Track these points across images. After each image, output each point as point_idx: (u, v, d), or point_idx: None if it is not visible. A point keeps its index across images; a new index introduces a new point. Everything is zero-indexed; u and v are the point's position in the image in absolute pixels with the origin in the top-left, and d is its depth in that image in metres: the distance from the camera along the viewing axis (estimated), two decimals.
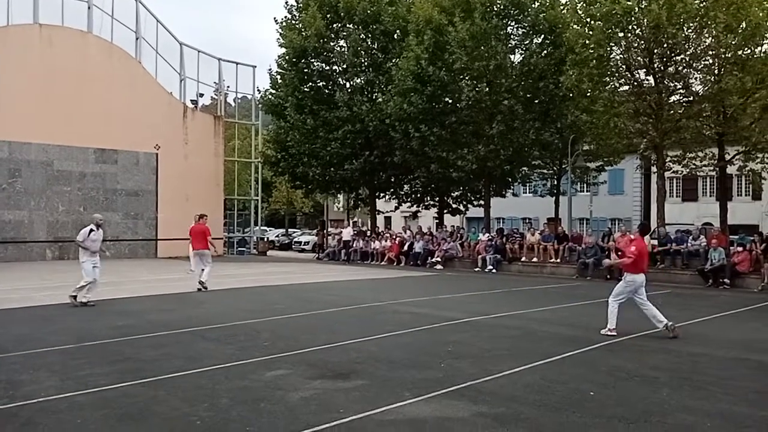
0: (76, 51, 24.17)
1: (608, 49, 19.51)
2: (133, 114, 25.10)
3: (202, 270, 13.90)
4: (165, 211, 26.12)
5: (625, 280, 8.83)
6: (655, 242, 18.52)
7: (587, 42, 19.48)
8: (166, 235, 25.96)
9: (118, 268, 19.85)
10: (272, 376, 6.15)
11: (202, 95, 31.60)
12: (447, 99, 24.69)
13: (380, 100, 27.20)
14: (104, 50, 25.07)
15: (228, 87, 30.67)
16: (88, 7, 24.82)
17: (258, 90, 31.31)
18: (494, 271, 20.44)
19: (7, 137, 22.56)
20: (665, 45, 18.68)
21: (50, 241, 23.80)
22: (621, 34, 19.29)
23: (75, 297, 11.20)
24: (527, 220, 37.28)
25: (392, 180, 29.42)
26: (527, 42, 24.47)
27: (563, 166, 25.97)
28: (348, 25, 27.53)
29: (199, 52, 28.48)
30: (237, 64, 30.01)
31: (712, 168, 21.40)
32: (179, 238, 22.25)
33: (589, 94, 20.60)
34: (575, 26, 20.30)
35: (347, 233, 26.71)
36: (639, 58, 19.47)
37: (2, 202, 22.69)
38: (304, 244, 39.11)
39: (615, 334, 8.40)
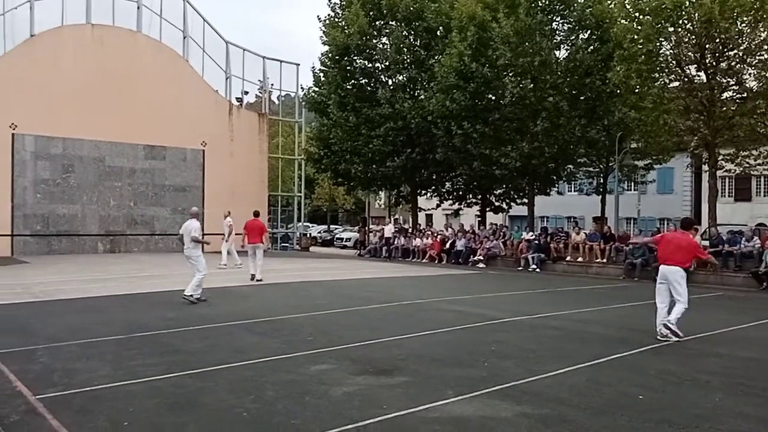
0: (127, 50, 24.86)
1: (657, 44, 19.02)
2: (180, 111, 25.69)
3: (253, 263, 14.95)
4: (211, 206, 26.64)
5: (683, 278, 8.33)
6: (707, 243, 17.98)
7: (636, 37, 19.02)
8: (212, 230, 26.44)
9: (166, 262, 20.39)
10: (316, 371, 6.22)
11: (247, 93, 32.11)
12: (490, 96, 24.47)
13: (422, 97, 27.13)
14: (153, 49, 25.71)
15: (272, 85, 31.06)
16: (138, 7, 25.48)
17: (301, 88, 31.67)
18: (538, 270, 20.17)
19: (61, 134, 23.37)
20: (717, 40, 18.09)
21: (102, 234, 24.56)
22: (671, 29, 18.77)
23: (191, 296, 10.86)
24: (572, 219, 36.59)
25: (434, 177, 29.32)
26: (573, 37, 24.03)
27: (610, 164, 25.43)
28: (391, 23, 27.56)
29: (244, 50, 28.92)
30: (281, 62, 30.36)
31: (766, 167, 20.63)
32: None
33: (637, 90, 20.13)
34: (623, 21, 19.84)
35: (388, 230, 26.78)
36: (690, 53, 18.92)
37: (57, 196, 23.53)
38: (345, 241, 39.38)
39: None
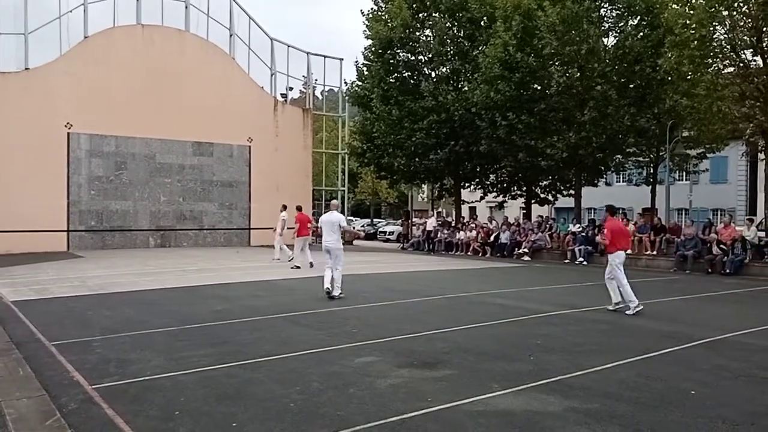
0: (175, 49, 25.46)
1: (711, 28, 18.31)
2: (227, 108, 26.18)
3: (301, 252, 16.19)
4: (257, 201, 27.12)
5: (610, 262, 9.86)
6: (762, 234, 17.32)
7: (688, 22, 18.36)
8: (258, 224, 26.94)
9: (214, 256, 20.84)
10: (361, 363, 6.27)
11: (291, 89, 32.41)
12: (536, 86, 24.06)
13: (466, 88, 26.88)
14: (201, 48, 26.24)
15: (316, 80, 31.32)
16: (186, 7, 26.03)
17: (345, 82, 31.79)
18: (585, 263, 19.81)
19: (114, 132, 24.14)
20: None
21: (153, 229, 25.29)
22: (725, 13, 18.05)
23: (340, 294, 10.71)
24: (621, 211, 35.77)
25: (478, 170, 29.04)
26: (622, 24, 23.39)
27: (661, 154, 24.71)
28: (434, 14, 27.37)
29: (288, 46, 29.23)
30: (325, 57, 30.56)
31: None
32: (271, 227, 23.01)
33: (689, 77, 19.44)
34: (674, 6, 19.16)
35: (430, 223, 26.69)
36: (745, 37, 18.15)
37: (110, 193, 24.32)
38: (389, 234, 39.43)
39: (639, 305, 9.50)
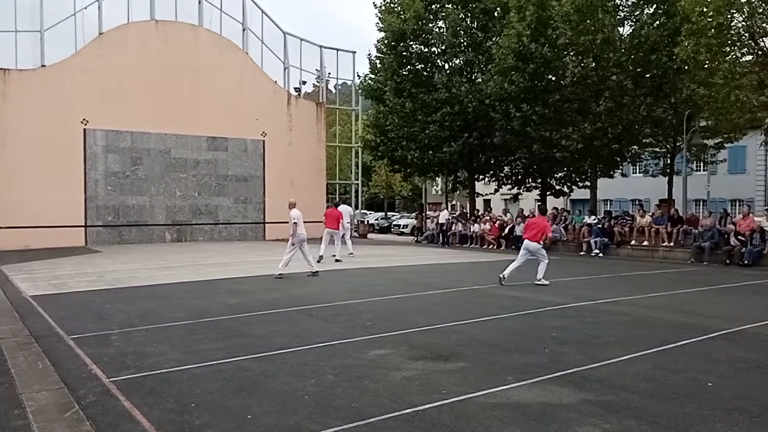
0: (189, 44, 25.57)
1: (729, 16, 18.05)
2: (241, 103, 26.28)
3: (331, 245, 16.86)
4: (271, 195, 27.20)
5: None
6: None
7: (705, 10, 18.11)
8: (273, 218, 27.03)
9: (229, 250, 20.96)
10: (375, 355, 6.28)
11: (304, 83, 32.50)
12: (550, 76, 23.86)
13: (480, 80, 26.74)
14: (214, 43, 26.33)
15: (329, 74, 31.31)
16: (199, 2, 26.12)
17: (358, 75, 31.77)
18: (601, 255, 19.67)
19: (130, 128, 24.33)
20: None
21: (168, 224, 25.48)
22: (743, 0, 17.77)
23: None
24: (637, 202, 35.47)
25: (492, 162, 28.90)
26: (637, 13, 23.09)
27: (678, 144, 24.43)
28: (447, 5, 27.23)
29: (301, 40, 29.23)
30: (337, 50, 30.53)
31: None
32: (285, 222, 23.09)
33: (707, 65, 19.19)
34: None
35: (443, 216, 26.63)
36: (764, 24, 17.89)
37: (126, 188, 24.54)
38: (402, 227, 39.41)
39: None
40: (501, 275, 11.93)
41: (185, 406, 4.76)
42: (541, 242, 12.24)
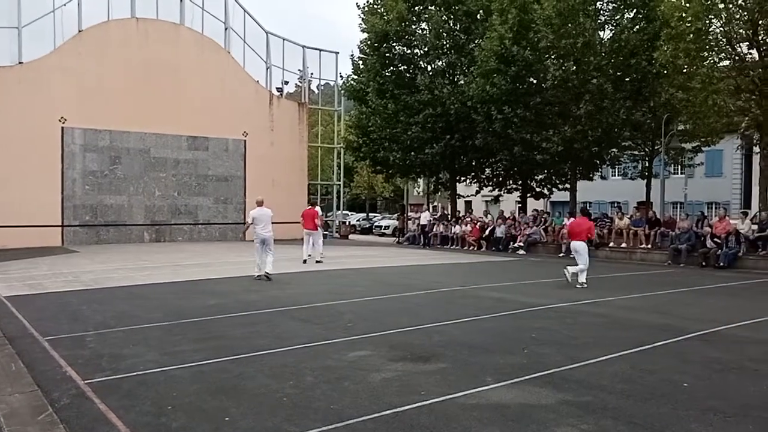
0: (170, 43, 25.33)
1: (707, 21, 18.30)
2: (222, 102, 26.10)
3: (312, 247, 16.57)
4: (252, 195, 27.00)
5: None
6: (755, 227, 17.37)
7: (684, 15, 18.35)
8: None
9: (209, 250, 20.80)
10: (355, 357, 6.26)
11: (287, 83, 32.34)
12: (532, 79, 24.04)
13: (462, 82, 26.86)
14: (196, 42, 26.13)
15: (312, 74, 31.22)
16: (180, 1, 25.89)
17: (340, 76, 31.73)
18: None
19: (108, 126, 24.04)
20: None
21: (147, 224, 25.22)
22: (721, 6, 18.06)
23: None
24: (616, 204, 35.85)
25: (473, 163, 29.05)
26: (618, 17, 23.35)
27: (656, 147, 24.75)
28: (430, 7, 27.31)
29: (284, 40, 29.10)
30: (320, 51, 30.45)
31: None
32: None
33: (685, 70, 19.44)
34: None
35: (425, 217, 26.70)
36: (741, 30, 18.16)
37: (105, 187, 24.24)
38: (384, 228, 39.45)
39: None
40: (568, 277, 12.09)
41: (162, 409, 4.70)
42: (588, 241, 12.79)
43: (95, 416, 4.55)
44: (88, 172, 23.84)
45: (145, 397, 4.99)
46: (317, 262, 16.17)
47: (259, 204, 13.35)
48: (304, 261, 16.18)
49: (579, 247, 12.50)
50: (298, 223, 17.50)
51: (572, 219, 16.98)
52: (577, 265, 12.29)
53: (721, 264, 16.51)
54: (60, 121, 23.03)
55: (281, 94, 30.33)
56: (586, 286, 11.88)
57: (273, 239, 13.07)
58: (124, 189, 24.63)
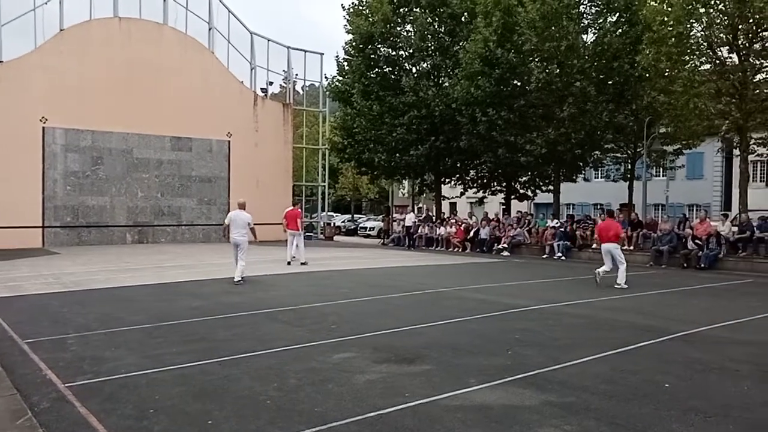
0: (153, 43, 25.12)
1: (688, 26, 18.55)
2: (206, 103, 25.93)
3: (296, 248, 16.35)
4: (236, 196, 26.82)
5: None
6: (736, 229, 17.61)
7: (666, 19, 18.57)
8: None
9: (192, 252, 20.65)
10: (339, 359, 6.25)
11: (271, 83, 32.21)
12: (516, 82, 24.17)
13: (447, 84, 26.95)
14: (179, 41, 25.94)
15: (296, 75, 31.13)
16: (164, 0, 25.69)
17: (325, 77, 31.66)
18: (563, 258, 19.98)
19: (90, 127, 23.78)
20: (751, 20, 17.59)
21: (130, 225, 24.98)
22: (702, 10, 18.30)
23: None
24: (599, 206, 36.19)
25: (458, 165, 29.14)
26: (601, 21, 23.59)
27: (638, 150, 25.00)
28: (415, 9, 27.35)
29: (268, 40, 29.00)
30: (305, 52, 30.37)
31: None
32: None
33: (667, 73, 19.67)
34: (653, 3, 19.40)
35: (409, 219, 26.73)
36: (722, 34, 18.42)
37: (86, 188, 23.97)
38: (369, 230, 39.44)
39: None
40: (598, 279, 12.46)
41: (144, 412, 4.65)
42: (618, 242, 13.04)
43: (76, 420, 4.50)
44: (69, 173, 23.56)
45: (126, 400, 4.93)
46: (302, 264, 16.02)
47: (240, 207, 13.02)
48: (289, 262, 16.12)
49: (611, 248, 12.80)
50: (282, 224, 17.38)
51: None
52: (603, 265, 12.71)
53: (702, 265, 16.71)
54: (41, 120, 22.75)
55: (266, 95, 30.21)
56: (626, 287, 12.10)
57: (247, 244, 12.69)
58: (106, 190, 24.38)
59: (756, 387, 5.41)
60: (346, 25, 28.58)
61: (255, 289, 11.59)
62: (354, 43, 28.22)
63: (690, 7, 18.13)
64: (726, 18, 18.01)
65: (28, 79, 22.37)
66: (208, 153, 26.76)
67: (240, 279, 12.31)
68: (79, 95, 23.12)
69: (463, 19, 27.03)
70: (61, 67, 22.88)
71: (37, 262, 16.97)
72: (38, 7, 23.05)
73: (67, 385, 5.30)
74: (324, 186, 33.48)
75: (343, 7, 28.90)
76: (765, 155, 21.45)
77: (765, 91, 18.84)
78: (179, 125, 25.55)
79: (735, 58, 18.72)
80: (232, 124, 26.93)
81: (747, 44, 18.15)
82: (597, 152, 25.39)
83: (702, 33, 18.78)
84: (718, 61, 19.10)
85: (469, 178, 30.32)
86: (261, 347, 6.71)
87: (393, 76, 28.42)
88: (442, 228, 25.54)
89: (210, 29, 27.04)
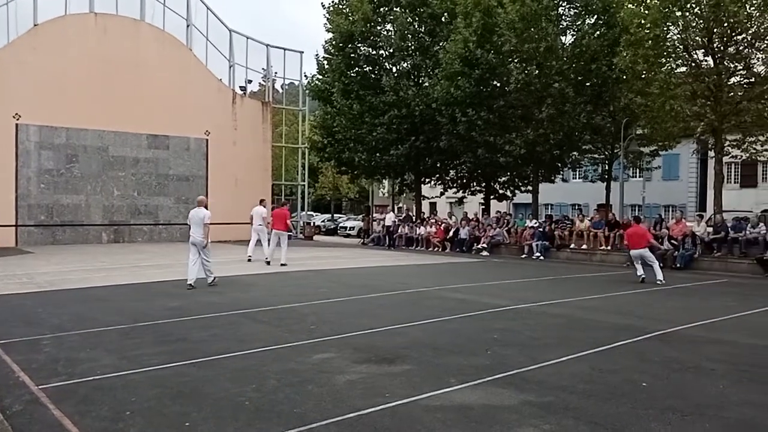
0: (130, 39, 24.76)
1: (665, 28, 18.82)
2: (184, 100, 25.64)
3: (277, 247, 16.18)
4: (215, 195, 26.64)
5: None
6: (711, 230, 17.90)
7: (643, 22, 18.83)
8: (216, 219, 26.41)
9: (169, 251, 20.41)
10: (319, 359, 6.21)
11: (250, 81, 31.93)
12: (495, 82, 24.31)
13: (427, 84, 27.01)
14: (156, 38, 25.60)
15: (276, 73, 30.91)
16: None
17: (305, 76, 31.53)
18: (542, 258, 20.13)
19: (65, 124, 23.36)
20: (726, 24, 17.89)
21: (105, 224, 24.60)
22: (679, 13, 18.58)
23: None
24: (576, 206, 36.55)
25: (438, 165, 29.23)
26: (579, 22, 23.84)
27: (615, 151, 25.29)
28: (395, 9, 27.37)
29: (248, 38, 28.77)
30: (285, 50, 30.19)
31: None
32: (228, 223, 22.65)
33: (643, 76, 19.95)
34: (630, 5, 19.63)
35: (389, 219, 26.73)
36: (697, 38, 18.71)
37: (61, 186, 23.56)
38: (349, 230, 39.37)
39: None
40: (640, 277, 13.56)
41: (120, 414, 4.57)
42: (647, 247, 13.78)
43: (49, 423, 4.41)
44: (43, 171, 23.13)
45: (101, 402, 4.85)
46: (282, 265, 15.75)
47: (200, 204, 12.23)
48: (268, 262, 15.99)
49: (642, 253, 13.64)
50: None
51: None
52: (637, 270, 13.69)
53: (678, 265, 16.95)
54: (14, 117, 22.30)
55: (245, 93, 29.97)
56: (664, 282, 13.15)
57: (204, 245, 11.81)
58: (81, 188, 23.98)
59: (732, 386, 5.48)
60: (326, 23, 28.50)
61: (233, 289, 11.48)
62: (334, 42, 28.15)
63: (666, 10, 18.40)
64: (702, 21, 18.30)
65: (1, 75, 21.91)
66: (185, 151, 26.47)
67: (213, 279, 11.92)
68: (54, 92, 22.71)
69: (443, 19, 27.12)
70: (35, 62, 22.46)
71: (10, 261, 16.64)
72: (11, 1, 22.61)
73: (40, 387, 5.19)
74: (304, 185, 33.33)
75: (323, 6, 28.84)
76: (739, 157, 21.83)
77: (739, 93, 19.19)
78: (156, 123, 25.23)
79: (710, 61, 19.04)
80: (210, 122, 26.66)
81: (722, 47, 18.46)
82: (575, 153, 25.65)
83: (678, 36, 19.06)
84: (693, 64, 19.40)
85: (448, 178, 30.43)
86: (239, 348, 6.64)
87: (373, 76, 28.41)
88: (422, 228, 25.58)
89: (188, 26, 26.74)
